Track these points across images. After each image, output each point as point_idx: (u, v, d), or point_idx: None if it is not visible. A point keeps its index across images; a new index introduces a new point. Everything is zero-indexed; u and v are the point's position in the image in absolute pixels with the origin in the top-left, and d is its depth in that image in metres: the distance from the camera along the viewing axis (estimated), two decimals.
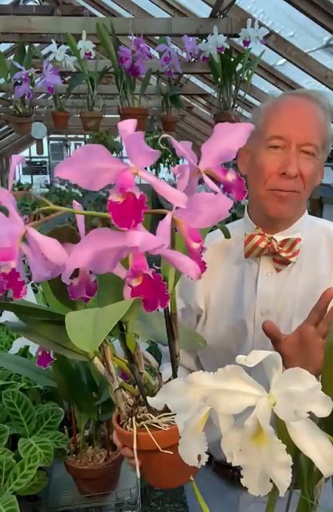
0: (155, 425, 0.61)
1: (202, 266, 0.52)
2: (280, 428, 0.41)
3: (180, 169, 0.51)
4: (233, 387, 0.40)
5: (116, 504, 1.21)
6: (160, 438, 0.59)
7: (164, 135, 0.52)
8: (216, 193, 0.51)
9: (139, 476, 0.62)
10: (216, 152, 0.52)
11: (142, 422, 0.61)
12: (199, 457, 0.45)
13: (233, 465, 0.41)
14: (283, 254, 1.00)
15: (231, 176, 0.53)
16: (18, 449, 1.03)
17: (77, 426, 1.20)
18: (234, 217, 2.45)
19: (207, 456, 0.46)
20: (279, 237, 1.02)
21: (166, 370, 0.69)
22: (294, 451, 0.41)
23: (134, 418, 0.62)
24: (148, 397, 0.54)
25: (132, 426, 0.62)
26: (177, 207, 0.51)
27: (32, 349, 1.09)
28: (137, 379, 0.63)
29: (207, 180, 0.52)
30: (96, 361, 0.66)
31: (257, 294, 1.03)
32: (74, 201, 0.57)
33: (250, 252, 1.02)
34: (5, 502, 0.89)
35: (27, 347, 1.20)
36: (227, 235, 0.78)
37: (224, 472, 1.06)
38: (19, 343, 1.17)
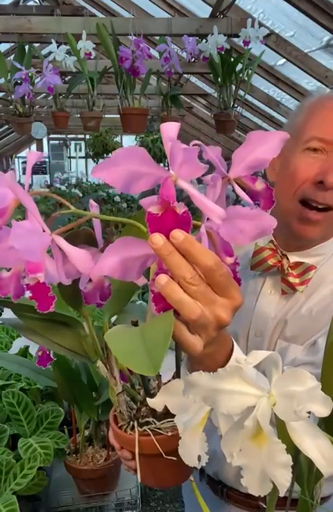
0: (157, 430, 0.60)
1: (238, 281, 0.51)
2: (280, 428, 0.41)
3: (213, 179, 0.48)
4: (233, 387, 0.40)
5: (116, 503, 1.22)
6: (162, 443, 0.59)
7: (195, 142, 0.49)
8: (250, 205, 0.49)
9: (140, 480, 0.62)
10: (248, 161, 0.50)
11: (145, 427, 0.61)
12: (199, 458, 0.45)
13: (233, 465, 0.41)
14: (290, 279, 0.88)
15: (260, 185, 0.51)
16: (18, 449, 1.03)
17: (77, 426, 1.20)
18: None
19: (206, 457, 0.46)
20: (293, 257, 0.90)
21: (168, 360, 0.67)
22: (294, 451, 0.41)
23: (136, 422, 0.62)
24: (148, 399, 0.54)
25: (132, 429, 0.62)
26: (208, 219, 0.48)
27: (32, 349, 1.09)
28: (145, 385, 0.63)
29: (238, 189, 0.50)
30: (99, 363, 0.65)
31: (254, 313, 0.93)
32: (91, 201, 0.54)
33: (256, 265, 0.91)
34: (5, 502, 0.89)
35: (27, 347, 1.20)
36: None
37: (215, 486, 1.03)
38: (19, 343, 1.17)
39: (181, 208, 0.43)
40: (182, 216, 0.43)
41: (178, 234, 0.44)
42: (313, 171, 0.82)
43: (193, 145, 0.47)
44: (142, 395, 0.64)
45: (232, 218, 0.48)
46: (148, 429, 0.60)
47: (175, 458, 0.56)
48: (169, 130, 0.45)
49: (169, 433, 0.59)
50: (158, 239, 0.44)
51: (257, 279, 0.95)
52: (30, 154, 0.50)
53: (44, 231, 0.47)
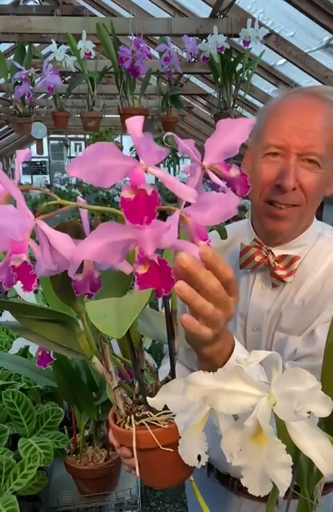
0: (154, 423, 0.61)
1: None
2: (280, 428, 0.41)
3: (192, 168, 0.51)
4: (233, 387, 0.40)
5: (116, 504, 1.21)
6: (160, 436, 0.59)
7: (168, 133, 0.52)
8: (223, 191, 0.52)
9: (138, 475, 0.62)
10: (219, 148, 0.53)
11: (141, 420, 0.61)
12: (199, 457, 0.45)
13: (233, 465, 0.41)
14: (278, 272, 0.92)
15: (234, 172, 0.54)
16: (18, 449, 1.03)
17: (77, 426, 1.20)
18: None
19: (207, 456, 0.46)
20: (277, 251, 0.94)
21: (166, 365, 0.68)
22: (294, 451, 0.41)
23: (132, 416, 0.62)
24: (148, 398, 0.54)
25: (130, 424, 0.62)
26: (185, 205, 0.52)
27: (32, 349, 1.09)
28: (138, 377, 0.63)
29: (212, 176, 0.53)
30: (95, 359, 0.65)
31: (249, 309, 0.98)
32: (79, 197, 0.56)
33: (244, 264, 0.96)
34: (5, 502, 0.89)
35: (27, 347, 1.20)
36: (223, 236, 0.77)
37: (225, 479, 1.04)
38: (19, 343, 1.17)
39: (149, 188, 0.46)
40: (152, 195, 0.46)
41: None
42: (273, 175, 0.88)
43: (167, 135, 0.52)
44: (137, 387, 0.65)
45: (203, 203, 0.52)
46: (145, 421, 0.61)
47: (171, 450, 0.58)
48: (134, 127, 0.47)
49: (166, 426, 0.60)
50: (186, 256, 0.49)
51: (248, 277, 1.00)
52: (19, 153, 0.53)
53: (29, 217, 0.50)
